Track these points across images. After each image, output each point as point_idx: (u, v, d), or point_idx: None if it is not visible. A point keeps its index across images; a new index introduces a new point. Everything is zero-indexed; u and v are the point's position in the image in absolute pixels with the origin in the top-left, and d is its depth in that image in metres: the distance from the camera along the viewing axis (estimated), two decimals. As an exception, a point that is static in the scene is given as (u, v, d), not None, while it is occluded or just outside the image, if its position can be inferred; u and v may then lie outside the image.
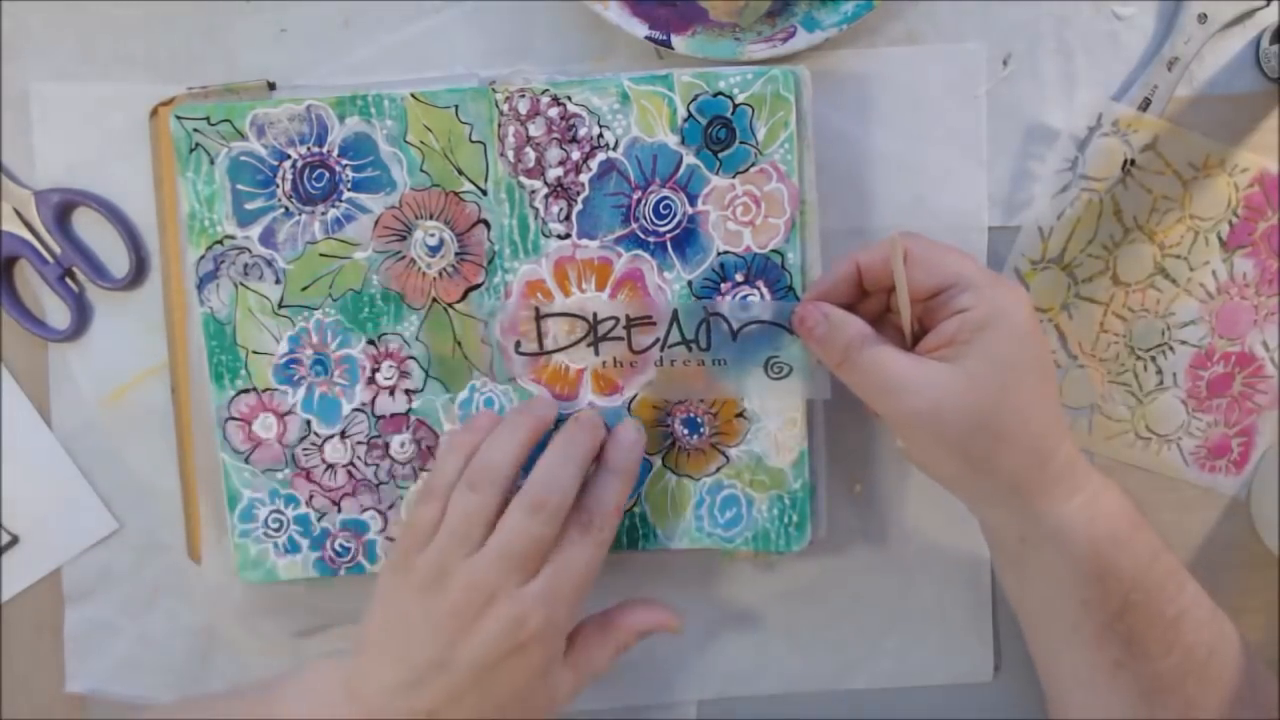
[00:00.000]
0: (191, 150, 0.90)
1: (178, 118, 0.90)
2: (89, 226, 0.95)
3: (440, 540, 0.82)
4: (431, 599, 0.81)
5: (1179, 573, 0.83)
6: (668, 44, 0.90)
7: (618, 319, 0.91)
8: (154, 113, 0.93)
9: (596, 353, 0.91)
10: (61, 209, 0.94)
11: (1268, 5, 0.96)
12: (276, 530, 0.93)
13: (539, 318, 0.91)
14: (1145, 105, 0.95)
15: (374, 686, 0.81)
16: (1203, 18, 0.94)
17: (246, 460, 0.93)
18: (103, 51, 0.94)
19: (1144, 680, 0.82)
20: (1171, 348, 1.00)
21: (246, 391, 0.92)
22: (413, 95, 0.89)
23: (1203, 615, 0.83)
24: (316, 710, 0.82)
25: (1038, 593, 0.85)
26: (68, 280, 0.95)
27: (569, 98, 0.89)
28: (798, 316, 0.86)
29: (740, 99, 0.89)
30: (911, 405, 0.80)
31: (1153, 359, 1.00)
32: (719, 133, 0.89)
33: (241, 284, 0.91)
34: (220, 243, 0.91)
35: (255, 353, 0.91)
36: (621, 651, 0.89)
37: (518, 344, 0.91)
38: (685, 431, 0.93)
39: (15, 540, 0.97)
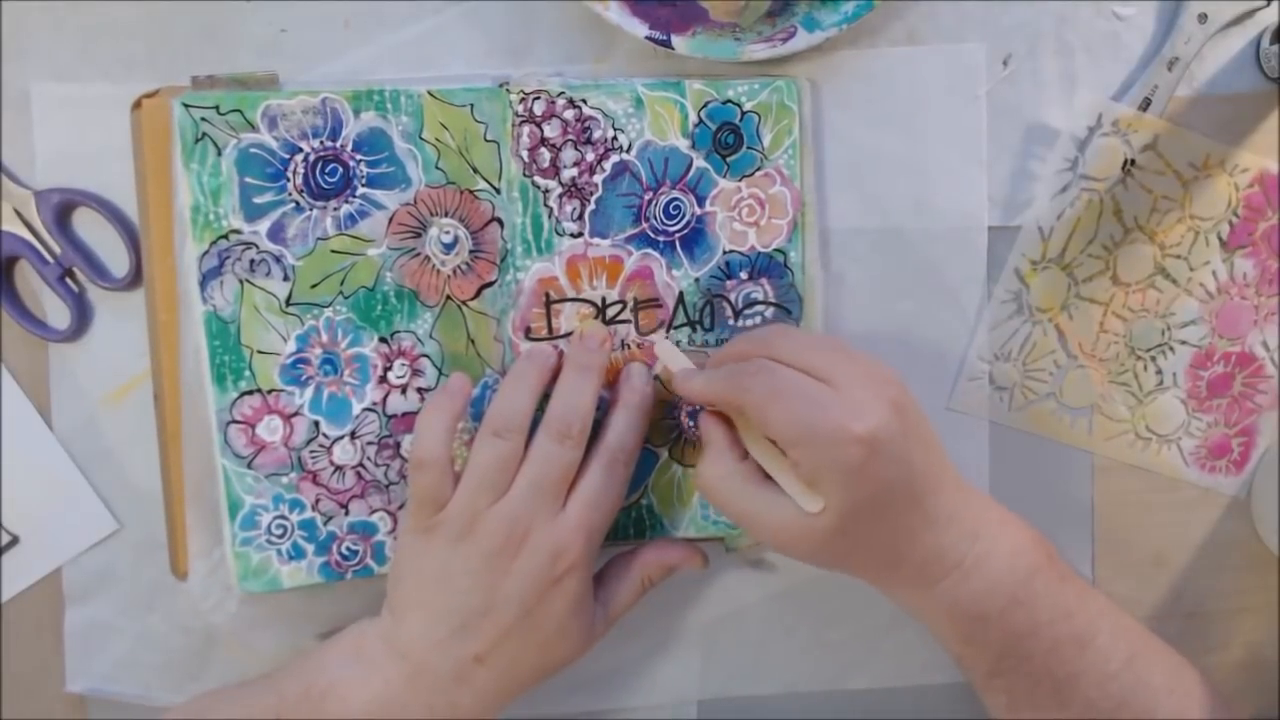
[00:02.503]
0: (198, 140, 0.89)
1: (185, 105, 0.89)
2: (89, 226, 0.96)
3: (466, 491, 0.86)
4: (466, 548, 0.85)
5: (1082, 634, 0.84)
6: (668, 44, 0.92)
7: (625, 303, 0.95)
8: (137, 105, 0.92)
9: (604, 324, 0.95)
10: (61, 209, 0.95)
11: (1268, 5, 0.98)
12: (280, 537, 0.93)
13: (549, 304, 0.94)
14: (1145, 105, 0.98)
15: (420, 641, 0.86)
16: (1203, 18, 0.97)
17: (249, 465, 0.92)
18: (103, 51, 0.94)
19: None
20: (1171, 348, 1.02)
21: (250, 393, 0.91)
22: (429, 92, 0.91)
23: (1112, 669, 0.84)
24: (365, 671, 0.86)
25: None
26: (68, 280, 0.95)
27: (584, 101, 0.93)
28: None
29: (748, 107, 0.94)
30: (760, 538, 0.87)
31: (1153, 359, 1.02)
32: (727, 138, 0.94)
33: (247, 280, 0.90)
34: (225, 237, 0.90)
35: (260, 352, 0.91)
36: (648, 588, 0.95)
37: (528, 330, 0.94)
38: (691, 424, 0.97)
39: (15, 540, 0.98)
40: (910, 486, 0.82)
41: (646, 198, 0.94)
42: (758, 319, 0.97)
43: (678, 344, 0.95)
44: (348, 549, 0.94)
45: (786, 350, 0.84)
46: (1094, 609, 0.86)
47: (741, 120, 0.94)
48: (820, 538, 0.83)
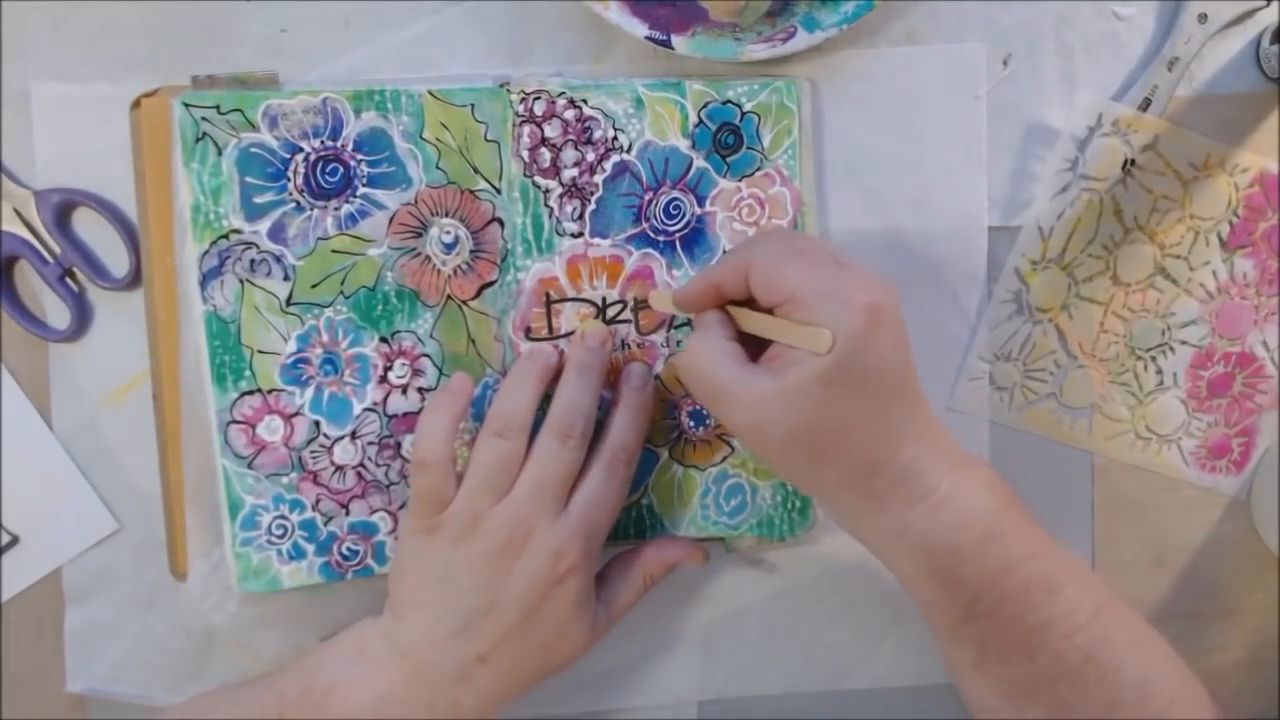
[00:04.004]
0: (198, 140, 0.89)
1: (185, 105, 0.89)
2: (89, 226, 0.96)
3: (468, 491, 0.86)
4: (468, 548, 0.86)
5: (1052, 577, 0.82)
6: (668, 44, 0.93)
7: (625, 302, 0.95)
8: (136, 104, 0.92)
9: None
10: (61, 209, 0.95)
11: (1268, 5, 0.99)
12: (280, 537, 0.93)
13: (550, 303, 0.95)
14: (1145, 105, 0.98)
15: (422, 641, 0.86)
16: (1203, 18, 0.97)
17: (249, 465, 0.92)
18: (103, 51, 0.95)
19: (1004, 682, 0.84)
20: (1171, 348, 1.03)
21: (251, 393, 0.91)
22: (430, 92, 0.92)
23: (1080, 620, 0.82)
24: (366, 671, 0.87)
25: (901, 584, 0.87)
26: (68, 280, 0.96)
27: (585, 101, 0.93)
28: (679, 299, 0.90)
29: (748, 107, 0.94)
30: (734, 418, 0.84)
31: (1153, 359, 1.03)
32: (727, 138, 0.94)
33: (248, 280, 0.91)
34: (226, 237, 0.90)
35: (261, 352, 0.91)
36: (649, 586, 0.95)
37: (528, 330, 0.95)
38: (692, 424, 0.97)
39: (15, 540, 0.98)
40: (904, 377, 0.82)
41: (647, 198, 0.94)
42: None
43: (678, 344, 0.96)
44: (348, 549, 0.94)
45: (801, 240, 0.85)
46: (1061, 554, 0.84)
47: (741, 120, 0.95)
48: (804, 409, 0.80)
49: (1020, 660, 0.83)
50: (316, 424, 0.93)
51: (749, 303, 0.85)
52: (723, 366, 0.83)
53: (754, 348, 0.85)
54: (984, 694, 0.86)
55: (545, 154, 0.93)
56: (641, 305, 0.95)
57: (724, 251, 0.95)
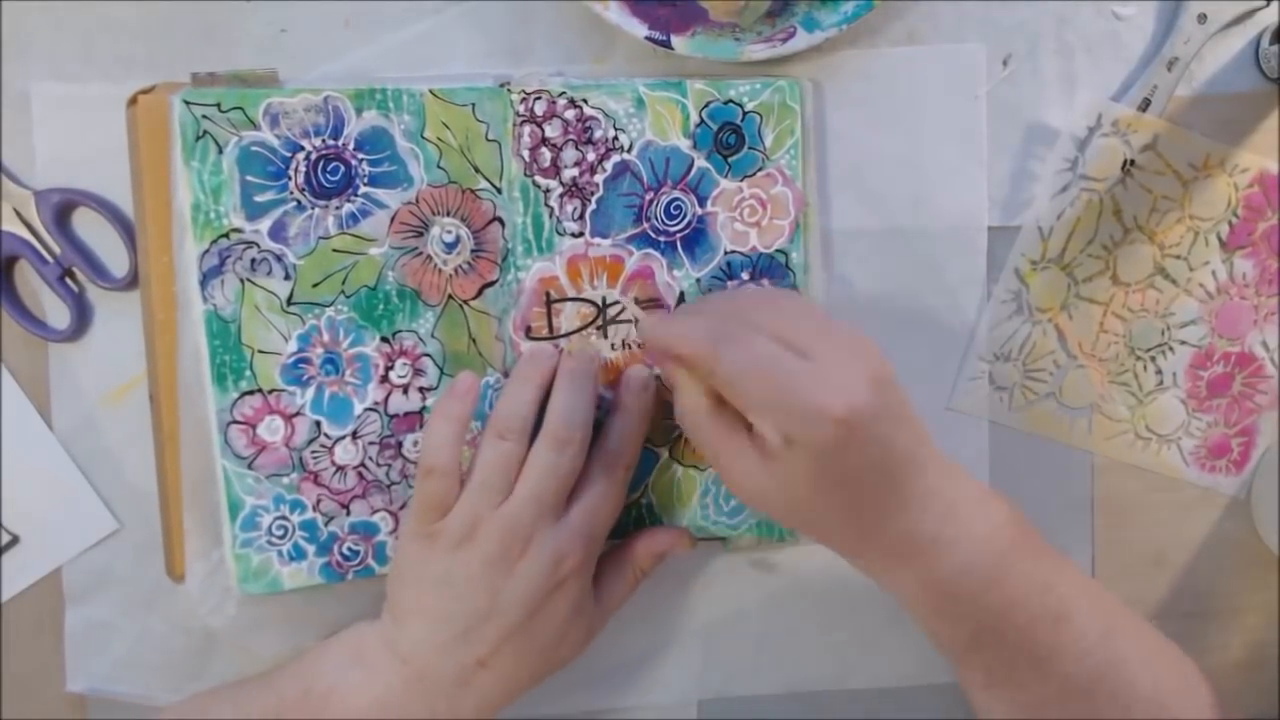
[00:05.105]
0: (199, 138, 0.88)
1: (186, 102, 0.88)
2: (89, 226, 0.96)
3: (470, 495, 0.86)
4: (466, 554, 0.86)
5: (1059, 609, 0.83)
6: (667, 44, 0.93)
7: (626, 302, 0.95)
8: (132, 101, 0.91)
9: (605, 335, 0.95)
10: (61, 209, 0.95)
11: (1268, 5, 0.99)
12: (281, 538, 0.93)
13: (550, 303, 0.95)
14: (1145, 105, 0.99)
15: (422, 646, 0.86)
16: (1203, 18, 0.97)
17: (250, 466, 0.91)
18: (103, 51, 0.95)
19: (1016, 702, 0.85)
20: (1171, 348, 1.03)
21: (251, 393, 0.91)
22: (431, 92, 0.91)
23: (1088, 644, 0.83)
24: (365, 675, 0.87)
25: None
26: (68, 280, 0.95)
27: (585, 100, 0.93)
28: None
29: (750, 107, 0.94)
30: (728, 484, 0.88)
31: (1153, 359, 1.03)
32: (729, 138, 0.94)
33: (248, 280, 0.90)
34: (226, 236, 0.89)
35: (261, 352, 0.91)
36: (641, 579, 0.96)
37: (528, 330, 0.95)
38: None
39: (15, 540, 0.98)
40: (886, 467, 0.81)
41: (647, 198, 0.94)
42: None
43: None
44: (349, 549, 0.94)
45: (764, 317, 0.82)
46: (1069, 583, 0.85)
47: (743, 120, 0.95)
48: (786, 504, 0.83)
49: (1029, 683, 0.84)
50: (317, 424, 0.92)
51: None
52: (706, 432, 0.85)
53: None
54: (995, 710, 0.87)
55: (546, 154, 0.93)
56: (642, 305, 0.95)
57: (725, 252, 0.96)
